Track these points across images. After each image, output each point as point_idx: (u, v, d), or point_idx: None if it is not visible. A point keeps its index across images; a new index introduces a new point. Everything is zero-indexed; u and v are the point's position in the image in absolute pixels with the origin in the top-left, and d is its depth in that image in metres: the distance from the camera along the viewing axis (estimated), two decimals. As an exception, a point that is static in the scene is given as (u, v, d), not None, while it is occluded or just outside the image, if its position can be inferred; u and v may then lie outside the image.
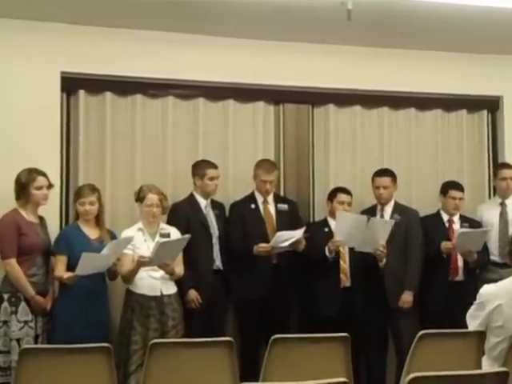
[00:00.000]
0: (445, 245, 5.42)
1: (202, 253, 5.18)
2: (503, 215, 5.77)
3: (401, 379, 3.77)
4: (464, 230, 5.50)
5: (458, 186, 5.72)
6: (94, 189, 4.93)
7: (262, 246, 5.18)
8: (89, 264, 4.56)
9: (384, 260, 5.33)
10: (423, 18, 5.15)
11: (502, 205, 5.82)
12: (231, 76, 5.63)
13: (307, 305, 5.45)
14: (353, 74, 5.86)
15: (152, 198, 4.96)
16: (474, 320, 3.83)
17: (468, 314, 3.87)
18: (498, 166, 6.11)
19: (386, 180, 5.59)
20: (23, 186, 4.75)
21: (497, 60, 6.07)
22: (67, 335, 4.55)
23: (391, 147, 6.12)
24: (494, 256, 5.65)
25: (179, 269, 4.96)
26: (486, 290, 3.82)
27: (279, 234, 5.16)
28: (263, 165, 5.48)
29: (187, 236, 4.86)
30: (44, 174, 4.80)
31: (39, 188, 4.77)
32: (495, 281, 4.08)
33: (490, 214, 5.81)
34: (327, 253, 5.28)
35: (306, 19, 5.20)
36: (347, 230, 5.17)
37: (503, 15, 5.11)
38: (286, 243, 5.13)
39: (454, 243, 5.39)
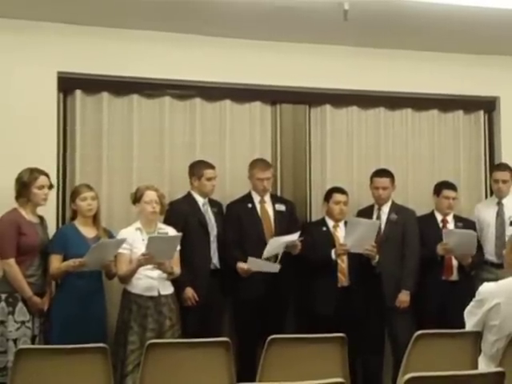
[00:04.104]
0: (441, 246, 5.41)
1: (199, 251, 5.18)
2: (500, 214, 5.76)
3: (397, 379, 3.77)
4: (451, 229, 5.51)
5: (451, 186, 5.72)
6: (91, 188, 4.93)
7: (241, 267, 5.17)
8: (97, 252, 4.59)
9: (377, 257, 5.33)
10: (420, 18, 5.15)
11: (499, 204, 5.81)
12: (228, 76, 5.64)
13: (304, 304, 5.44)
14: (349, 75, 5.86)
15: (150, 194, 4.94)
16: (471, 317, 3.82)
17: (466, 311, 3.87)
18: (492, 167, 6.13)
19: (385, 181, 5.59)
20: (25, 185, 4.72)
21: (493, 60, 6.08)
22: (64, 335, 4.55)
23: (388, 148, 6.13)
24: (491, 256, 5.65)
25: (177, 269, 4.95)
26: (486, 287, 3.81)
27: (273, 240, 5.16)
28: (257, 164, 5.49)
29: (179, 234, 4.86)
30: (46, 174, 4.78)
31: (41, 187, 4.75)
32: (492, 281, 4.07)
33: (486, 213, 5.81)
34: (333, 256, 5.30)
35: (302, 20, 5.20)
36: (356, 236, 5.19)
37: (500, 16, 5.12)
38: (280, 250, 5.13)
39: (449, 243, 5.37)
